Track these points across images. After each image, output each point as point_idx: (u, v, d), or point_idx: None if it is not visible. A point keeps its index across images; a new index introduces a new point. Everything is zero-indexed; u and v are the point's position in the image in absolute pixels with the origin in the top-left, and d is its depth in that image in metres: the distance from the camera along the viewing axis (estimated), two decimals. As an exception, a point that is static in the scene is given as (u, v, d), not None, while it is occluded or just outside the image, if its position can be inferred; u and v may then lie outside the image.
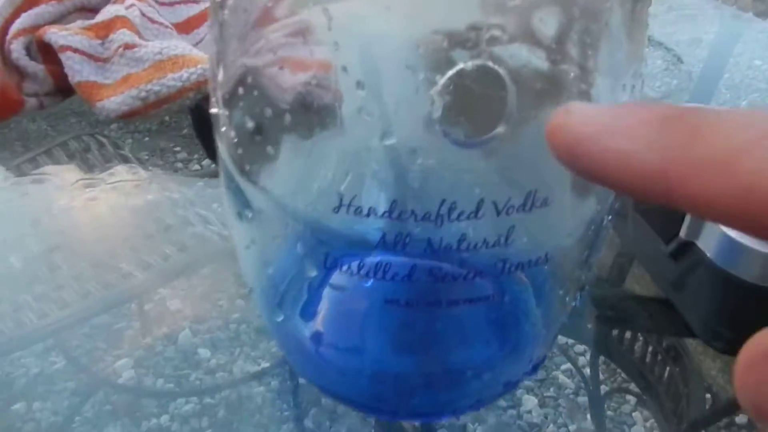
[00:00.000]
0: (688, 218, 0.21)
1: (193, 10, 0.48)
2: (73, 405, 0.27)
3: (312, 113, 0.15)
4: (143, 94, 0.37)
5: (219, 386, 0.27)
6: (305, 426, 0.25)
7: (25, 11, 0.42)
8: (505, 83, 0.13)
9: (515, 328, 0.17)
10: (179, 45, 0.40)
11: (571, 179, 0.15)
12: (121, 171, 0.39)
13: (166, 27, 0.44)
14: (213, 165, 0.43)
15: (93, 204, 0.36)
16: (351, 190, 0.14)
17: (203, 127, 0.44)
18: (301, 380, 0.27)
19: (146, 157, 0.43)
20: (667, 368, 0.26)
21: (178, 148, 0.45)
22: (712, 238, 0.21)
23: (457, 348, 0.17)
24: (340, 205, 0.15)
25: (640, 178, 0.09)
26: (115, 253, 0.33)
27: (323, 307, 0.17)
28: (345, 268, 0.15)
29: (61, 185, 0.37)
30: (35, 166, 0.40)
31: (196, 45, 0.46)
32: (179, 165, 0.43)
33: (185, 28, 0.47)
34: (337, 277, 0.16)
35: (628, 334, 0.26)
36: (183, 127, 0.47)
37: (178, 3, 0.48)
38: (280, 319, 0.18)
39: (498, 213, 0.14)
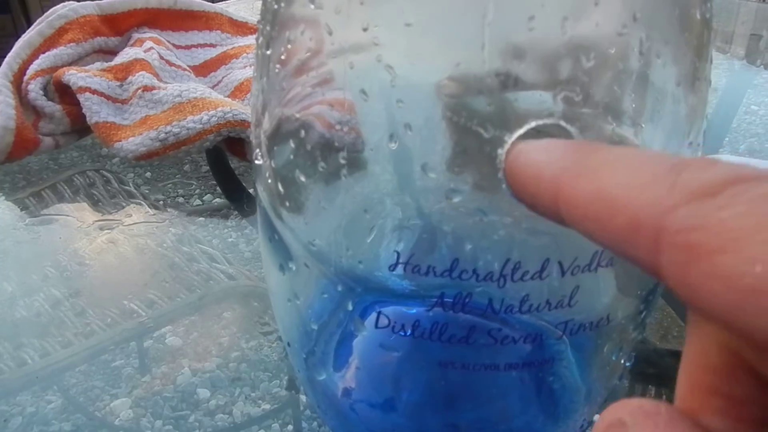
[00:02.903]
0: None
1: (210, 53, 0.48)
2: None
3: (365, 165, 0.14)
4: (162, 135, 0.37)
5: (218, 429, 0.26)
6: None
7: (43, 53, 0.43)
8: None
9: (572, 392, 0.16)
10: (198, 88, 0.40)
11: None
12: (137, 211, 0.39)
13: (184, 70, 0.44)
14: (215, 200, 0.43)
15: (110, 247, 0.35)
16: (409, 248, 0.14)
17: (220, 169, 0.44)
18: (305, 425, 0.26)
19: (147, 191, 0.43)
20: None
21: (179, 183, 0.45)
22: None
23: (513, 414, 0.16)
24: (397, 263, 0.14)
25: (542, 186, 0.10)
26: (118, 290, 0.33)
27: (372, 369, 0.16)
28: (398, 327, 0.15)
29: (78, 226, 0.37)
30: (40, 200, 0.40)
31: (213, 87, 0.46)
32: (180, 200, 0.43)
33: (202, 71, 0.47)
34: (388, 337, 0.15)
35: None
36: (184, 162, 0.47)
37: (195, 46, 0.49)
38: (321, 377, 0.17)
39: (563, 273, 0.14)
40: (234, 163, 0.43)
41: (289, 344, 0.18)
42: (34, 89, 0.40)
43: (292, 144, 0.15)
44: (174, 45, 0.47)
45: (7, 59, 0.42)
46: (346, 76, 0.14)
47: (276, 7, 0.16)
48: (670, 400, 0.09)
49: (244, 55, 0.47)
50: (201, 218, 0.40)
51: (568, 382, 0.16)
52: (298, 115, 0.15)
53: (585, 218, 0.09)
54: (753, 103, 0.62)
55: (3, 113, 0.38)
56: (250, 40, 0.50)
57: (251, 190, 0.41)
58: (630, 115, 0.14)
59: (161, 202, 0.41)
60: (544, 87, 0.13)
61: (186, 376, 0.28)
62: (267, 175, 0.16)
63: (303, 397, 0.27)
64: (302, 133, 0.15)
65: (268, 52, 0.16)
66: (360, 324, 0.15)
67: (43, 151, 0.41)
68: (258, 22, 0.17)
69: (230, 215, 0.41)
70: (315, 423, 0.26)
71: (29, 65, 0.42)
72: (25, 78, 0.41)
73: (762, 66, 0.71)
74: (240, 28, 0.51)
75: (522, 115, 0.13)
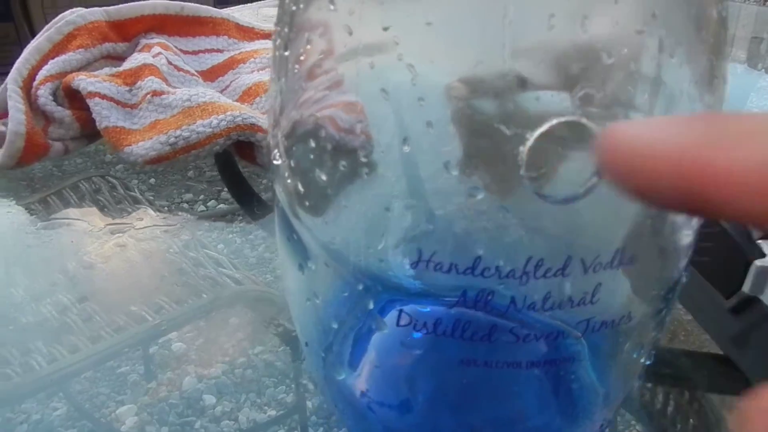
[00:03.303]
0: (751, 273, 0.21)
1: (218, 58, 0.48)
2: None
3: (385, 165, 0.14)
4: (172, 139, 0.37)
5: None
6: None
7: (52, 58, 0.43)
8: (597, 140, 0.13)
9: (591, 391, 0.16)
10: (207, 92, 0.40)
11: (657, 236, 0.14)
12: (145, 216, 0.39)
13: (193, 75, 0.44)
14: (219, 206, 0.43)
15: (118, 252, 0.35)
16: (431, 246, 0.14)
17: (230, 173, 0.44)
18: (311, 431, 0.26)
19: (152, 197, 0.43)
20: (690, 421, 0.25)
21: (183, 189, 0.45)
22: (778, 294, 0.20)
23: (533, 413, 0.16)
24: (419, 261, 0.14)
25: (663, 164, 0.09)
26: (126, 296, 0.33)
27: (393, 367, 0.16)
28: (420, 325, 0.15)
29: (89, 230, 0.37)
30: (46, 207, 0.40)
31: (221, 92, 0.46)
32: (185, 206, 0.43)
33: (210, 76, 0.47)
34: (409, 336, 0.15)
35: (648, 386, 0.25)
36: (188, 168, 0.47)
37: (203, 52, 0.49)
38: (340, 377, 0.17)
39: (585, 270, 0.14)
40: (240, 166, 0.43)
41: (306, 344, 0.18)
42: (44, 94, 0.41)
43: (311, 144, 0.15)
44: (181, 50, 0.47)
45: (16, 65, 0.42)
46: (367, 76, 0.14)
47: (294, 8, 0.16)
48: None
49: (252, 59, 0.47)
50: (206, 223, 0.41)
51: (586, 381, 0.16)
52: (318, 115, 0.15)
53: (743, 192, 0.09)
54: (755, 107, 0.62)
55: (13, 118, 0.38)
56: (257, 45, 0.50)
57: (261, 194, 0.41)
58: (647, 113, 0.14)
59: (166, 208, 0.41)
60: (563, 85, 0.13)
61: (192, 382, 0.28)
62: (285, 175, 0.16)
63: (309, 403, 0.27)
64: (321, 133, 0.15)
65: (286, 54, 0.16)
66: (382, 322, 0.15)
67: (53, 156, 0.41)
68: (275, 24, 0.17)
69: (235, 220, 0.41)
70: (321, 429, 0.26)
71: (38, 71, 0.42)
72: (35, 83, 0.41)
73: (763, 69, 0.71)
74: (246, 33, 0.52)
75: (542, 113, 0.13)
